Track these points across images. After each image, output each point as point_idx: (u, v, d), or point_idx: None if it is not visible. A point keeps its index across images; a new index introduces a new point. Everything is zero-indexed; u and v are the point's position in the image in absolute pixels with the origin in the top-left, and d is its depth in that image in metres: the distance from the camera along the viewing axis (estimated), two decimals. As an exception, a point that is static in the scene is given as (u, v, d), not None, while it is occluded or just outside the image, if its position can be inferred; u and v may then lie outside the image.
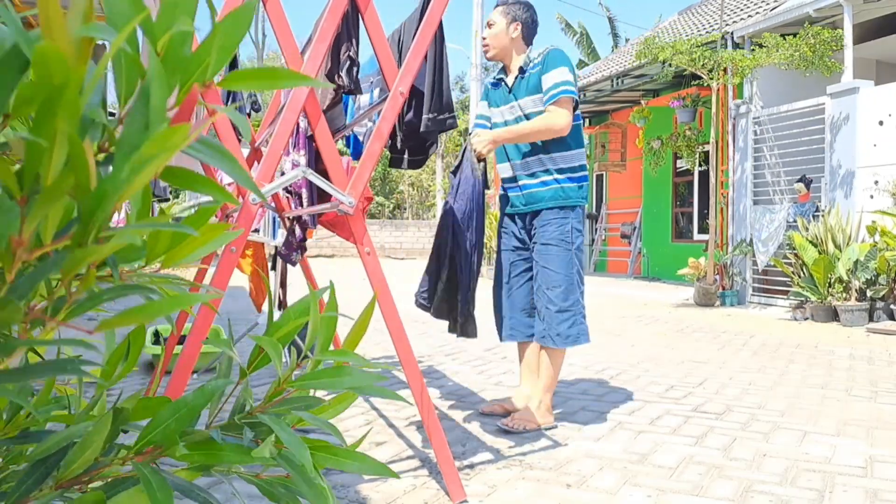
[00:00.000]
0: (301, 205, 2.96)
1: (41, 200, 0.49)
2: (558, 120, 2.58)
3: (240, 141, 3.27)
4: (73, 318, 0.58)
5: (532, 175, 2.72)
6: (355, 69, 2.17)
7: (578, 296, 2.67)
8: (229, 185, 4.26)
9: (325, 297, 0.93)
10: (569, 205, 2.68)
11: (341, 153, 3.59)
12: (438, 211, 22.12)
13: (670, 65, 7.98)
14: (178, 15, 0.56)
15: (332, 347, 0.88)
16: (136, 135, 0.52)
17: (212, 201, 0.67)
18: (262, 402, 0.84)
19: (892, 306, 6.04)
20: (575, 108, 2.64)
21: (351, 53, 2.14)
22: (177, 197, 11.09)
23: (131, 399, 0.76)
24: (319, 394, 0.94)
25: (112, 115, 0.58)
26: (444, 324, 2.71)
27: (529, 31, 2.77)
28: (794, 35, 7.20)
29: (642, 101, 11.43)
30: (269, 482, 0.81)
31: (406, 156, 2.58)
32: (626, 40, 21.76)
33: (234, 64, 3.10)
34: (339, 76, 2.15)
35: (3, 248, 0.49)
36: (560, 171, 2.68)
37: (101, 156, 0.56)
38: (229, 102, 3.10)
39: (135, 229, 0.55)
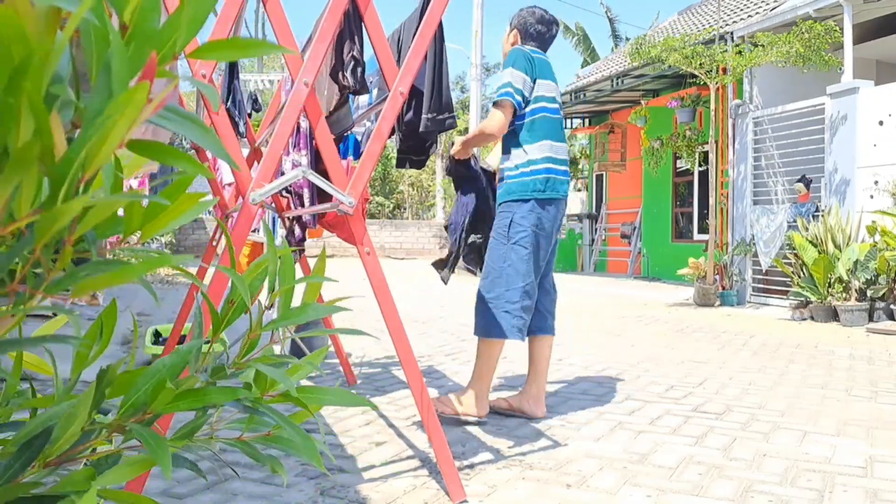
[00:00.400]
0: (302, 205, 2.96)
1: (9, 169, 0.49)
2: (489, 123, 2.66)
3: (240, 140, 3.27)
4: (52, 293, 0.58)
5: (504, 171, 2.79)
6: (360, 69, 2.17)
7: (504, 290, 2.63)
8: (230, 185, 4.26)
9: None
10: (512, 199, 2.68)
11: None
12: (438, 211, 22.13)
13: (662, 62, 7.97)
14: None
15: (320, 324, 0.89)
16: (100, 102, 0.52)
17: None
18: (239, 356, 0.85)
19: (892, 306, 6.05)
20: (525, 105, 2.67)
21: (355, 53, 2.14)
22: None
23: (112, 366, 0.77)
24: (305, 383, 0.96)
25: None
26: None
27: (527, 34, 2.85)
28: (790, 33, 7.20)
29: (642, 102, 11.43)
30: (250, 444, 0.83)
31: (411, 156, 2.59)
32: (626, 39, 21.77)
33: (234, 64, 3.10)
34: (344, 76, 2.15)
35: None
36: (516, 167, 2.71)
37: (74, 131, 0.55)
38: (229, 101, 3.10)
39: (108, 200, 0.54)
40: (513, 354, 4.26)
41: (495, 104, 2.68)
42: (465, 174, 2.91)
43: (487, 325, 2.66)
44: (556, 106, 2.77)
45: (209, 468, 2.13)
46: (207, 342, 0.87)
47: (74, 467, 0.73)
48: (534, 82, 2.69)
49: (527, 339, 2.82)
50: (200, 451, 0.83)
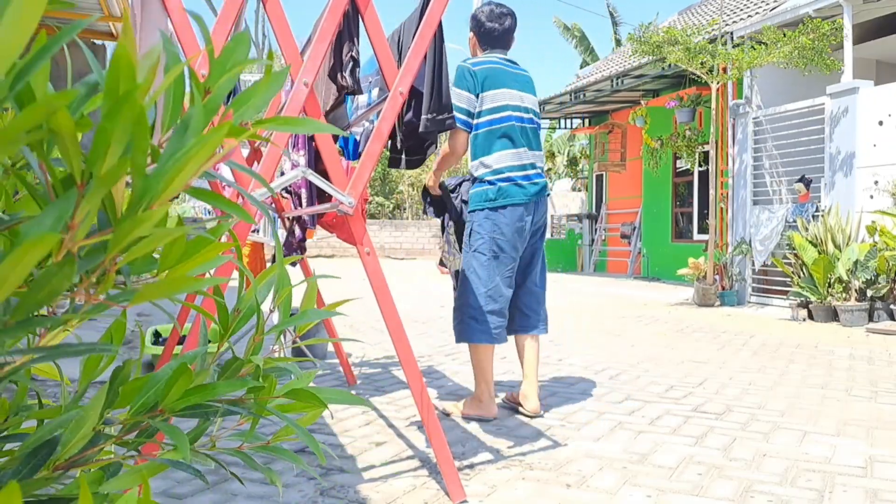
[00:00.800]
0: (300, 205, 2.96)
1: (98, 185, 0.53)
2: (443, 149, 2.82)
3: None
4: (88, 318, 0.62)
5: None
6: (358, 70, 2.18)
7: (469, 297, 2.74)
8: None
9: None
10: (471, 209, 2.81)
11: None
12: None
13: (663, 59, 7.97)
14: (235, 60, 0.65)
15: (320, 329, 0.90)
16: (175, 147, 0.59)
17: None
18: (246, 354, 0.87)
19: (891, 306, 6.05)
20: (469, 119, 2.74)
21: (353, 53, 2.14)
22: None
23: (125, 364, 0.78)
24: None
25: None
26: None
27: (481, 36, 2.89)
28: (795, 30, 7.20)
29: (642, 102, 11.43)
30: (249, 454, 0.85)
31: (404, 156, 2.59)
32: (629, 35, 21.77)
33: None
34: (343, 77, 2.15)
35: (59, 231, 0.53)
36: (473, 179, 2.83)
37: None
38: (229, 102, 3.10)
39: (163, 232, 0.59)
40: (512, 355, 4.26)
41: None
42: (437, 200, 3.04)
43: (462, 331, 2.78)
44: (507, 114, 2.76)
45: (209, 468, 2.13)
46: (211, 342, 0.88)
47: (81, 473, 0.74)
48: (477, 96, 2.74)
49: (513, 338, 2.95)
50: (202, 461, 0.84)
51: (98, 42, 6.27)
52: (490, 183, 2.73)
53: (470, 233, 2.77)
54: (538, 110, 2.95)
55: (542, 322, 2.96)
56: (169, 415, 0.74)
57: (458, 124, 2.67)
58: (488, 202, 2.73)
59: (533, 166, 2.80)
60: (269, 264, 4.36)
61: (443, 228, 3.03)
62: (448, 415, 2.86)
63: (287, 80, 3.07)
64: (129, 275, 0.63)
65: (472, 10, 13.68)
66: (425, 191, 3.04)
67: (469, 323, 2.73)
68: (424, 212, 3.10)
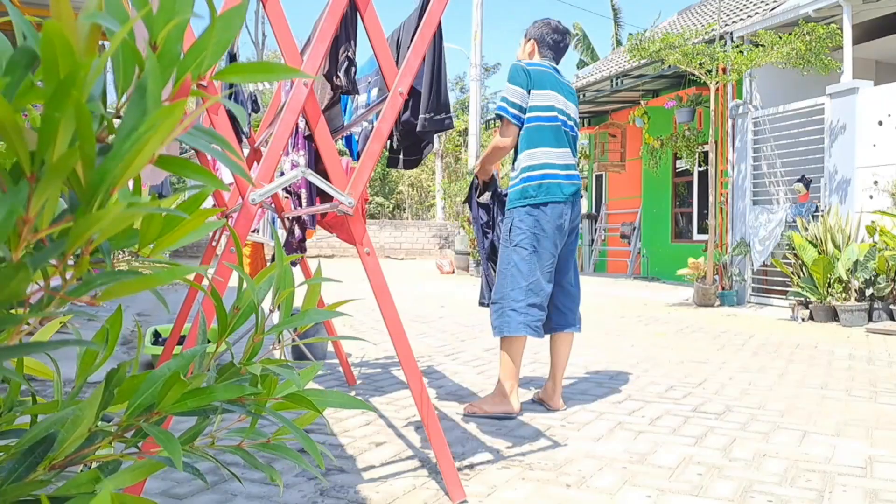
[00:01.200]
0: (300, 205, 2.96)
1: (48, 176, 0.51)
2: (496, 140, 2.88)
3: (240, 141, 3.27)
4: (67, 302, 0.60)
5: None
6: (353, 70, 2.18)
7: (509, 290, 2.79)
8: (230, 185, 4.26)
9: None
10: (511, 206, 2.86)
11: (340, 153, 3.59)
12: (438, 211, 22.11)
13: (662, 61, 7.97)
14: (176, 10, 0.59)
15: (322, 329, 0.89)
16: (134, 119, 0.55)
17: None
18: (243, 359, 0.86)
19: (891, 306, 6.05)
20: (521, 114, 2.81)
21: (349, 54, 2.14)
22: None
23: (120, 366, 0.77)
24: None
25: (110, 113, 0.60)
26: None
27: (543, 43, 2.98)
28: (791, 34, 7.20)
29: (642, 102, 11.43)
30: (249, 452, 0.84)
31: (402, 156, 2.59)
32: (629, 36, 21.79)
33: (233, 63, 3.10)
34: (338, 77, 2.16)
35: (11, 226, 0.51)
36: (516, 175, 2.88)
37: (99, 147, 0.57)
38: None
39: (131, 211, 0.56)
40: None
41: (498, 118, 2.89)
42: (485, 204, 3.07)
43: (500, 324, 2.81)
44: (554, 114, 2.84)
45: (208, 468, 2.13)
46: (210, 343, 0.88)
47: (78, 470, 0.73)
48: (529, 94, 2.81)
49: (547, 336, 2.99)
50: (201, 458, 0.83)
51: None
52: (532, 179, 2.80)
53: (510, 228, 2.83)
54: (578, 121, 3.02)
55: (578, 321, 3.04)
56: (164, 416, 0.74)
57: (510, 118, 2.79)
58: (529, 199, 2.80)
59: (573, 167, 2.90)
60: (269, 264, 4.35)
61: (482, 228, 3.05)
62: (473, 414, 2.85)
63: (286, 81, 3.07)
64: (109, 252, 0.61)
65: (473, 11, 13.57)
66: (472, 186, 3.10)
67: (511, 315, 2.77)
68: (469, 206, 3.12)
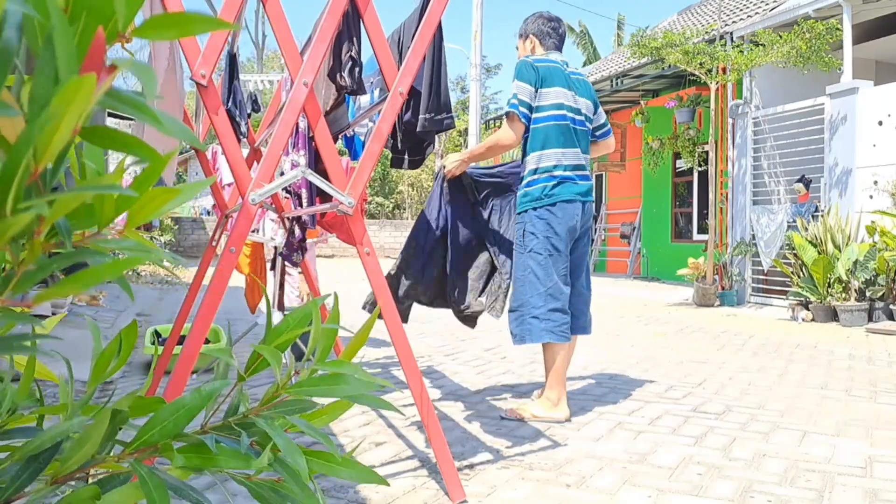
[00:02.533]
0: (300, 205, 2.96)
1: None
2: (499, 135, 2.82)
3: (239, 141, 3.26)
4: (24, 289, 0.55)
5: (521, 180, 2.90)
6: (357, 69, 2.17)
7: (529, 297, 2.74)
8: (229, 185, 4.25)
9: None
10: (523, 209, 2.80)
11: (340, 153, 3.59)
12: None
13: (662, 60, 7.97)
14: None
15: (332, 356, 0.87)
16: (46, 87, 0.49)
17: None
18: (259, 405, 0.84)
19: (891, 306, 6.05)
20: (529, 113, 2.77)
21: (353, 53, 2.14)
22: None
23: (128, 397, 0.76)
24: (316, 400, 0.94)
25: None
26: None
27: (543, 35, 2.94)
28: (791, 32, 7.20)
29: (642, 102, 11.43)
30: (259, 485, 0.81)
31: (406, 156, 2.59)
32: (631, 36, 21.77)
33: (234, 64, 3.10)
34: (342, 76, 2.15)
35: None
36: (526, 175, 2.83)
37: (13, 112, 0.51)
38: (229, 102, 3.10)
39: (73, 192, 0.52)
40: (512, 355, 4.25)
41: (506, 115, 2.84)
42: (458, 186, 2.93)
43: (521, 332, 2.77)
44: (563, 112, 2.80)
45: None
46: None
47: (79, 484, 0.73)
48: (537, 92, 2.77)
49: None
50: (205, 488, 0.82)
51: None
52: (542, 181, 2.76)
53: (523, 233, 2.78)
54: (591, 115, 2.96)
55: (589, 323, 3.02)
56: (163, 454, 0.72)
57: (520, 116, 2.75)
58: (539, 200, 2.76)
59: (583, 167, 2.85)
60: (269, 264, 4.36)
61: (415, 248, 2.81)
62: (521, 419, 2.80)
63: (287, 81, 3.07)
64: (68, 232, 0.56)
65: (473, 11, 13.56)
66: (438, 179, 2.92)
67: (532, 323, 2.73)
68: (428, 207, 2.88)
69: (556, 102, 2.78)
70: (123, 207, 0.61)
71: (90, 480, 0.74)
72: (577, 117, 2.84)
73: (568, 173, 2.78)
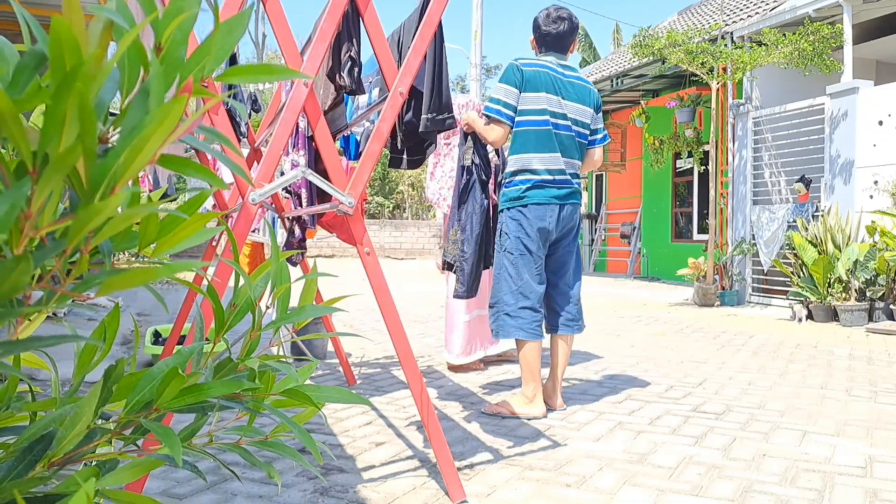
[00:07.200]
0: (300, 205, 2.96)
1: (50, 171, 0.51)
2: (488, 133, 2.85)
3: (240, 141, 3.27)
4: (63, 302, 0.60)
5: None
6: (357, 69, 2.17)
7: (503, 294, 2.84)
8: (230, 185, 4.26)
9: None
10: (501, 209, 2.91)
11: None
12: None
13: (664, 61, 7.97)
14: (182, 8, 0.61)
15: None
16: (137, 118, 0.55)
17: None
18: (241, 356, 0.86)
19: (891, 306, 6.05)
20: (512, 113, 2.79)
21: (352, 53, 2.14)
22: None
23: (119, 362, 0.78)
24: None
25: (113, 114, 0.60)
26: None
27: (539, 38, 2.96)
28: (795, 33, 7.20)
29: (642, 102, 11.43)
30: (249, 449, 0.85)
31: (405, 156, 2.58)
32: (633, 37, 21.80)
33: (234, 63, 3.10)
34: (341, 76, 2.15)
35: (13, 221, 0.51)
36: (506, 177, 2.91)
37: (101, 148, 0.57)
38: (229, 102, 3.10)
39: (130, 213, 0.56)
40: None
41: (486, 118, 2.88)
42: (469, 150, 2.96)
43: (496, 327, 2.88)
44: (545, 118, 2.79)
45: (208, 468, 2.13)
46: (208, 341, 0.88)
47: (77, 468, 0.73)
48: (520, 94, 2.79)
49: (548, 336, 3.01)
50: (201, 457, 0.83)
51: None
52: (517, 183, 2.83)
53: (500, 233, 2.89)
54: (587, 121, 2.94)
55: (575, 322, 3.02)
56: (163, 412, 0.74)
57: (501, 118, 2.78)
58: (513, 201, 2.84)
59: (562, 172, 2.84)
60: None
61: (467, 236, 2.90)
62: (500, 414, 2.85)
63: (287, 81, 3.07)
64: (110, 253, 0.61)
65: (473, 11, 13.54)
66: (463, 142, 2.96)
67: (504, 319, 2.84)
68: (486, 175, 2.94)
69: (538, 108, 2.79)
70: (165, 231, 0.67)
71: (86, 464, 0.75)
72: (562, 122, 2.83)
73: (545, 177, 2.81)
